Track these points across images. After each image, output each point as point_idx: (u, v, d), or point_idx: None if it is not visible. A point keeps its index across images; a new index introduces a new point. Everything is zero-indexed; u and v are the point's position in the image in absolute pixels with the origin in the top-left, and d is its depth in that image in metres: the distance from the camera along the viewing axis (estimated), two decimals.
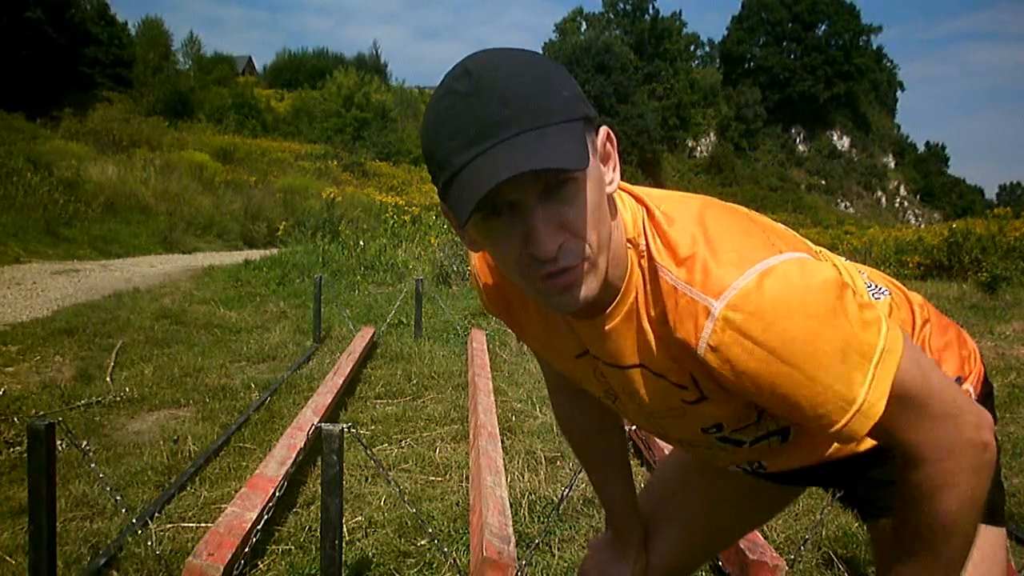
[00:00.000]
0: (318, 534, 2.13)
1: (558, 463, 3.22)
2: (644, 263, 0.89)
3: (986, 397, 1.10)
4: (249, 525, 2.23)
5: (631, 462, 1.36)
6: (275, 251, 10.86)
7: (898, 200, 64.44)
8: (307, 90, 37.22)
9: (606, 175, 0.85)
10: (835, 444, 1.04)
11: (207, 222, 15.39)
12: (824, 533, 2.53)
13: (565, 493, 2.43)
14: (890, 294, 1.09)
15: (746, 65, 60.89)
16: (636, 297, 0.90)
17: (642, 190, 0.95)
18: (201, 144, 21.53)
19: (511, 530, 2.23)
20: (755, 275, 0.80)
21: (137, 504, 2.72)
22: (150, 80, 30.09)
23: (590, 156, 0.78)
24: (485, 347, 5.05)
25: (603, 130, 0.85)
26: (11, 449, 3.24)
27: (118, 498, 2.26)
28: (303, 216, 13.72)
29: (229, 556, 2.07)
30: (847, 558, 2.40)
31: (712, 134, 58.30)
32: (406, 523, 2.57)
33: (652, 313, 0.89)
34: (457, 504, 2.77)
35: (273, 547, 2.44)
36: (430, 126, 0.80)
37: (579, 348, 1.00)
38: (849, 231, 18.40)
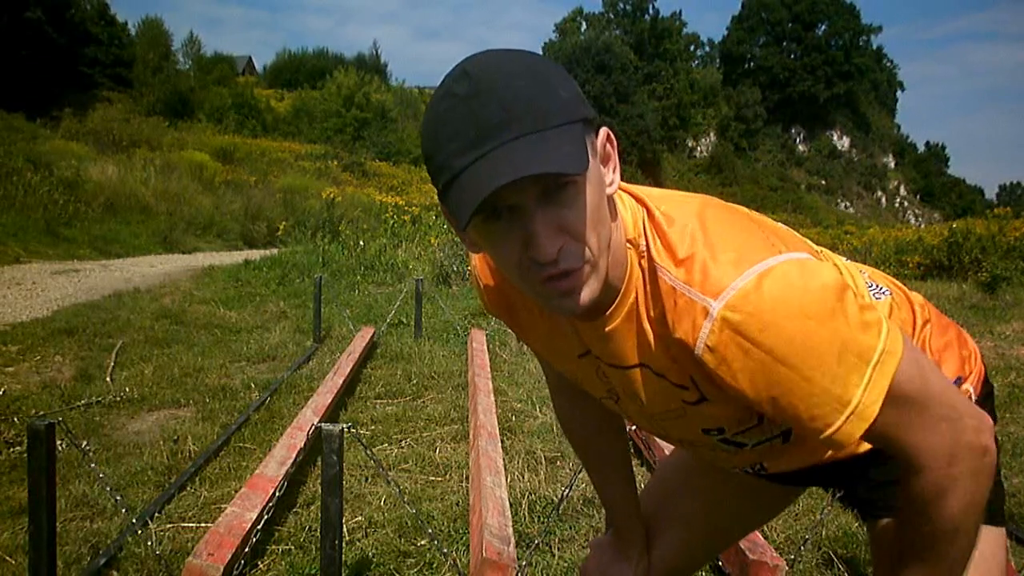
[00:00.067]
0: (318, 534, 2.13)
1: (558, 463, 3.22)
2: (644, 263, 0.89)
3: (986, 397, 1.10)
4: (249, 525, 2.23)
5: (632, 462, 1.36)
6: (275, 251, 10.86)
7: (898, 200, 64.44)
8: (307, 90, 37.21)
9: (606, 176, 0.85)
10: None
11: (207, 222, 15.38)
12: (824, 533, 2.53)
13: (565, 493, 2.43)
14: (891, 294, 1.09)
15: (746, 65, 60.91)
16: (636, 297, 0.90)
17: (642, 190, 0.95)
18: (201, 144, 21.52)
19: (511, 531, 2.23)
20: (754, 275, 0.80)
21: (137, 504, 2.72)
22: (150, 80, 30.09)
23: (589, 159, 0.78)
24: (485, 347, 5.05)
25: (603, 131, 0.85)
26: (11, 449, 3.24)
27: (118, 498, 2.26)
28: (303, 216, 13.71)
29: (229, 556, 2.07)
30: (847, 558, 2.40)
31: (712, 134, 58.30)
32: (406, 523, 2.57)
33: (652, 313, 0.89)
34: (457, 504, 2.77)
35: (273, 547, 2.44)
36: (429, 128, 0.80)
37: (581, 348, 1.00)
38: (849, 231, 18.40)
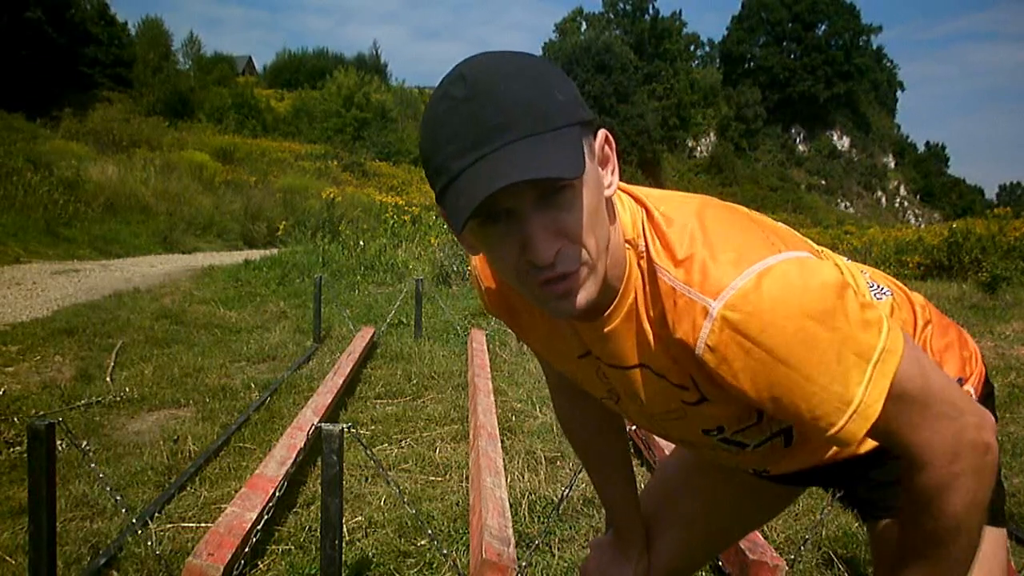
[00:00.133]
0: (318, 534, 2.13)
1: (558, 463, 3.22)
2: (643, 264, 0.89)
3: (987, 398, 1.10)
4: (249, 525, 2.23)
5: (632, 462, 1.36)
6: (275, 251, 10.86)
7: (898, 200, 64.45)
8: (307, 90, 37.22)
9: (604, 178, 0.84)
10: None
11: (207, 222, 15.38)
12: (824, 533, 2.53)
13: (565, 493, 2.43)
14: (892, 295, 1.09)
15: (746, 65, 60.91)
16: (636, 298, 0.90)
17: (642, 191, 0.95)
18: (201, 144, 21.52)
19: (511, 532, 2.23)
20: (753, 275, 0.80)
21: (137, 504, 2.72)
22: (150, 80, 30.09)
23: (587, 162, 0.78)
24: (485, 347, 5.05)
25: (601, 133, 0.84)
26: (11, 449, 3.24)
27: (118, 498, 2.26)
28: (303, 216, 13.71)
29: (229, 556, 2.07)
30: (847, 558, 2.40)
31: (712, 134, 58.31)
32: (406, 523, 2.57)
33: (652, 314, 0.89)
34: (457, 504, 2.77)
35: (273, 547, 2.44)
36: (427, 131, 0.80)
37: (581, 349, 1.00)
38: (849, 231, 18.40)
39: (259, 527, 2.25)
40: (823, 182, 60.40)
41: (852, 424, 0.80)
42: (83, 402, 3.93)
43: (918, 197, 65.07)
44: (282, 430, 3.31)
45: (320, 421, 3.11)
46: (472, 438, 3.26)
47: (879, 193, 62.99)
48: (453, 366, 4.87)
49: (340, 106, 33.93)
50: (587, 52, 47.47)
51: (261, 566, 2.32)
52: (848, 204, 59.99)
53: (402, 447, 3.41)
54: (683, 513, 1.29)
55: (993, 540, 1.02)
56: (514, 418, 3.80)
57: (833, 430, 0.81)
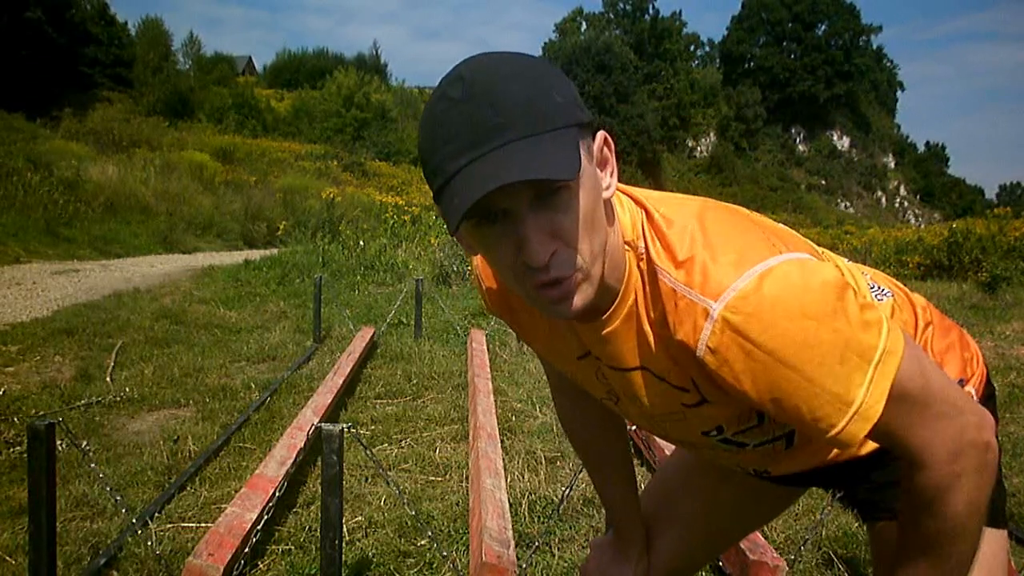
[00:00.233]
0: (318, 534, 2.13)
1: (558, 463, 3.22)
2: (643, 265, 0.89)
3: (988, 399, 1.10)
4: (249, 525, 2.23)
5: (632, 462, 1.36)
6: (275, 251, 10.87)
7: (898, 200, 64.45)
8: (307, 90, 37.21)
9: (603, 180, 0.84)
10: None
11: (207, 222, 15.38)
12: (824, 533, 2.53)
13: (565, 493, 2.43)
14: (893, 296, 1.09)
15: (746, 65, 60.90)
16: (635, 300, 0.90)
17: (642, 192, 0.95)
18: (201, 144, 21.52)
19: (510, 533, 2.23)
20: (754, 276, 0.80)
21: (137, 504, 2.72)
22: (150, 80, 30.08)
23: (583, 163, 0.78)
24: (485, 347, 5.05)
25: (600, 135, 0.84)
26: (11, 449, 3.24)
27: (118, 498, 2.26)
28: (303, 216, 13.73)
29: (229, 556, 2.07)
30: (847, 558, 2.39)
31: (712, 134, 58.30)
32: (406, 523, 2.57)
33: (652, 315, 0.89)
34: (457, 504, 2.77)
35: (273, 547, 2.44)
36: (425, 131, 0.80)
37: (581, 350, 1.00)
38: (849, 231, 18.42)
39: (259, 527, 2.25)
40: (823, 182, 60.40)
41: (853, 425, 0.80)
42: (83, 402, 3.93)
43: (918, 197, 65.07)
44: (282, 430, 3.31)
45: (320, 421, 3.11)
46: (472, 439, 3.26)
47: (879, 193, 62.98)
48: (453, 366, 4.87)
49: (340, 106, 33.93)
50: (587, 52, 47.48)
51: (261, 566, 2.32)
52: (848, 204, 59.99)
53: (402, 447, 3.41)
54: (683, 513, 1.29)
55: (994, 541, 1.02)
56: (514, 418, 3.80)
57: (834, 431, 0.80)
